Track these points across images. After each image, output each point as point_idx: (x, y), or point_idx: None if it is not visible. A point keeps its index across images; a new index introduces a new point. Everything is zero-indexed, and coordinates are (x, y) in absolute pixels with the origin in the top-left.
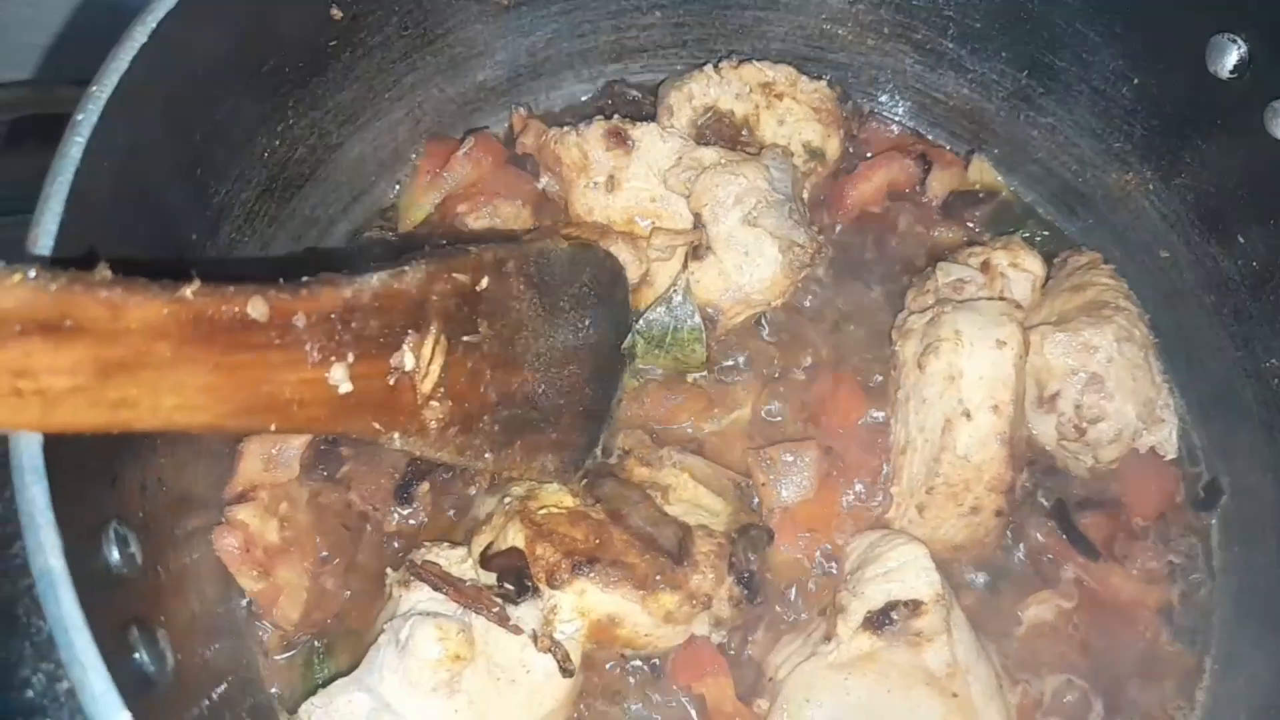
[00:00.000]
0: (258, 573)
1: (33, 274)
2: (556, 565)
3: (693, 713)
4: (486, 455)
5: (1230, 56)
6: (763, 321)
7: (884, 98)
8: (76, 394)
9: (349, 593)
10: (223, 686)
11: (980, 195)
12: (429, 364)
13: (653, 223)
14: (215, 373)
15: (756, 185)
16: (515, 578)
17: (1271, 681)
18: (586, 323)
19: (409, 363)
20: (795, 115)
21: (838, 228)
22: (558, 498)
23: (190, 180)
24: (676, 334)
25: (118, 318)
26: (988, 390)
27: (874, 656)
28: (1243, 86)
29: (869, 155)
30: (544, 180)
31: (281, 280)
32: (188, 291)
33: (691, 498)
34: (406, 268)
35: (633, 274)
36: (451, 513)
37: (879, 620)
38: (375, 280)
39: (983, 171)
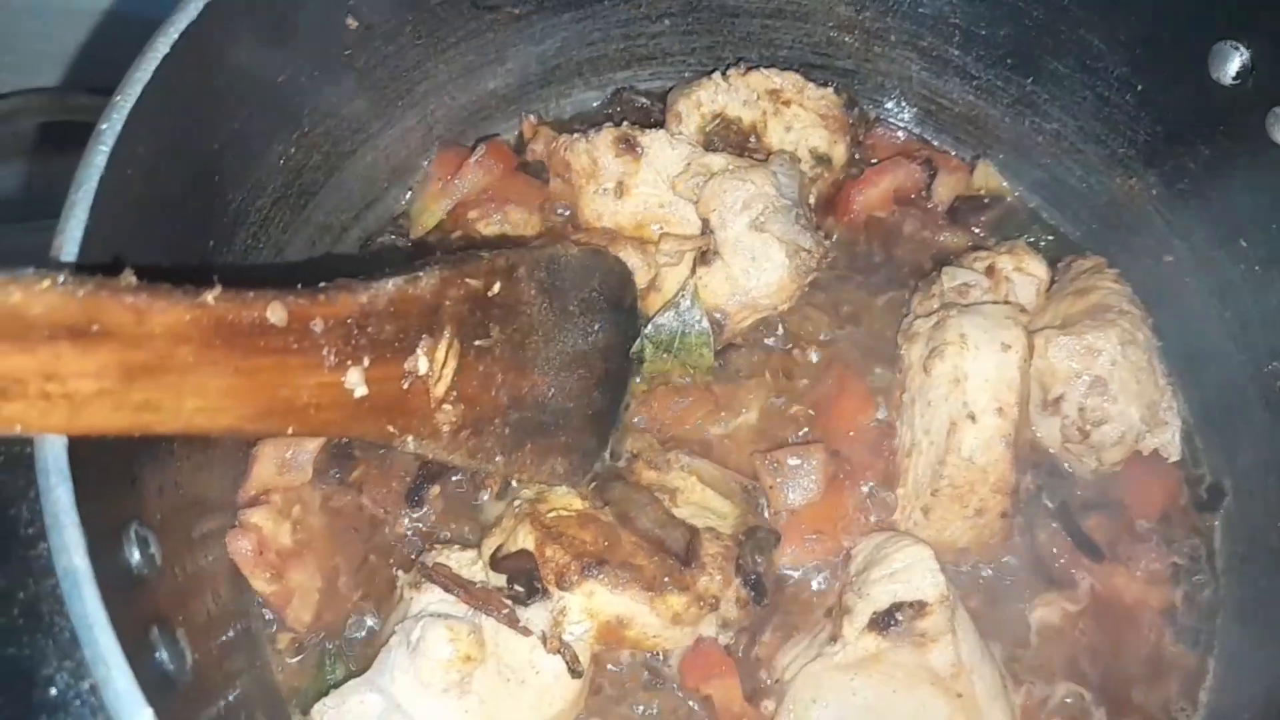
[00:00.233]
0: (271, 575)
1: (61, 280)
2: (566, 567)
3: (700, 713)
4: (497, 458)
5: (1233, 63)
6: (770, 326)
7: (890, 104)
8: (102, 397)
9: (361, 595)
10: (238, 687)
11: (985, 200)
12: (442, 368)
13: (661, 228)
14: (235, 376)
15: (764, 191)
16: (525, 580)
17: (1275, 683)
18: (596, 327)
19: (423, 367)
20: (802, 122)
21: (843, 233)
22: (567, 500)
23: (208, 188)
24: (684, 338)
25: (142, 323)
26: (993, 393)
27: (880, 657)
28: (1245, 92)
29: (875, 161)
30: (553, 186)
31: (299, 286)
32: (209, 297)
33: (699, 500)
34: (421, 273)
35: (641, 279)
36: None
37: (884, 621)
38: (390, 286)
39: (988, 177)
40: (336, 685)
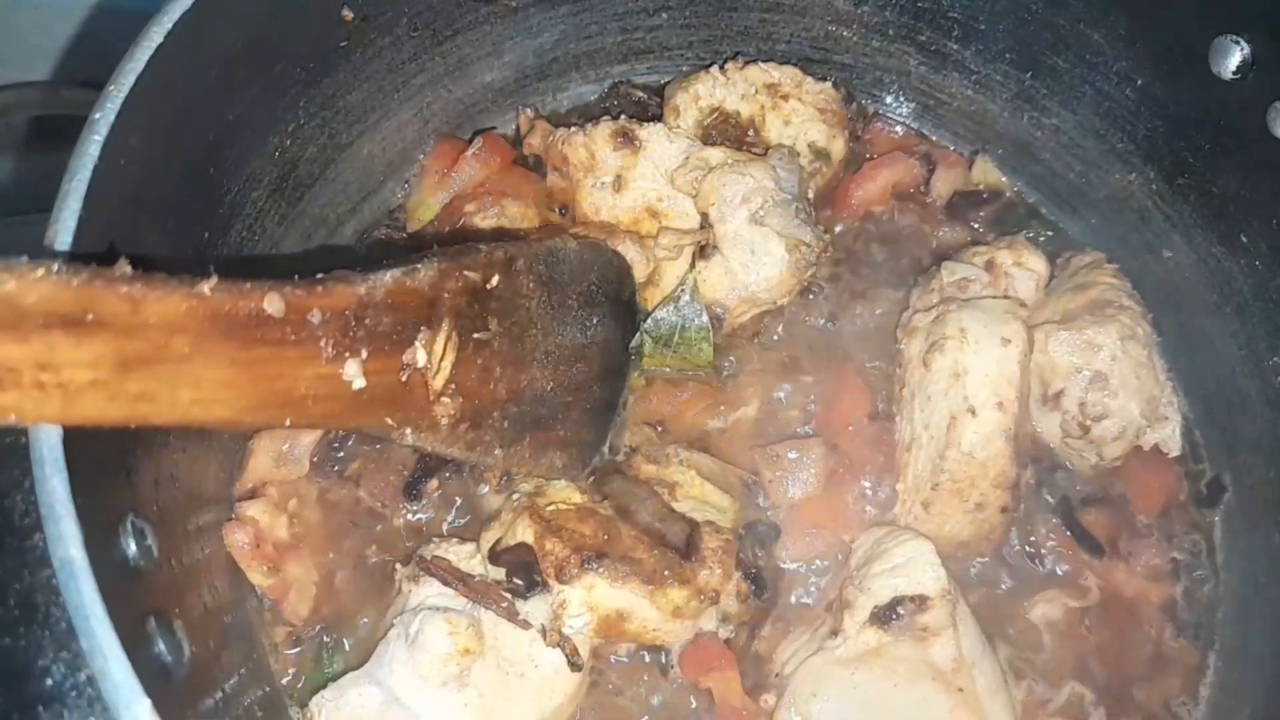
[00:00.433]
0: (268, 568)
1: (56, 269)
2: (565, 560)
3: (700, 707)
4: (496, 451)
5: (1233, 58)
6: (769, 320)
7: (889, 99)
8: (97, 387)
9: (358, 588)
10: (235, 679)
11: (984, 196)
12: (441, 360)
13: (660, 222)
14: (232, 368)
15: (763, 185)
16: (524, 573)
17: (1276, 677)
18: (594, 321)
19: (421, 359)
20: (801, 116)
21: (843, 228)
22: (566, 494)
23: (203, 179)
24: (684, 333)
25: (137, 313)
26: (992, 387)
27: (880, 651)
28: (1246, 88)
29: (874, 156)
30: (551, 180)
31: (296, 277)
32: (205, 287)
33: (699, 494)
34: (419, 265)
35: (640, 273)
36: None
37: (885, 615)
38: (389, 277)
39: (987, 172)
40: (335, 678)
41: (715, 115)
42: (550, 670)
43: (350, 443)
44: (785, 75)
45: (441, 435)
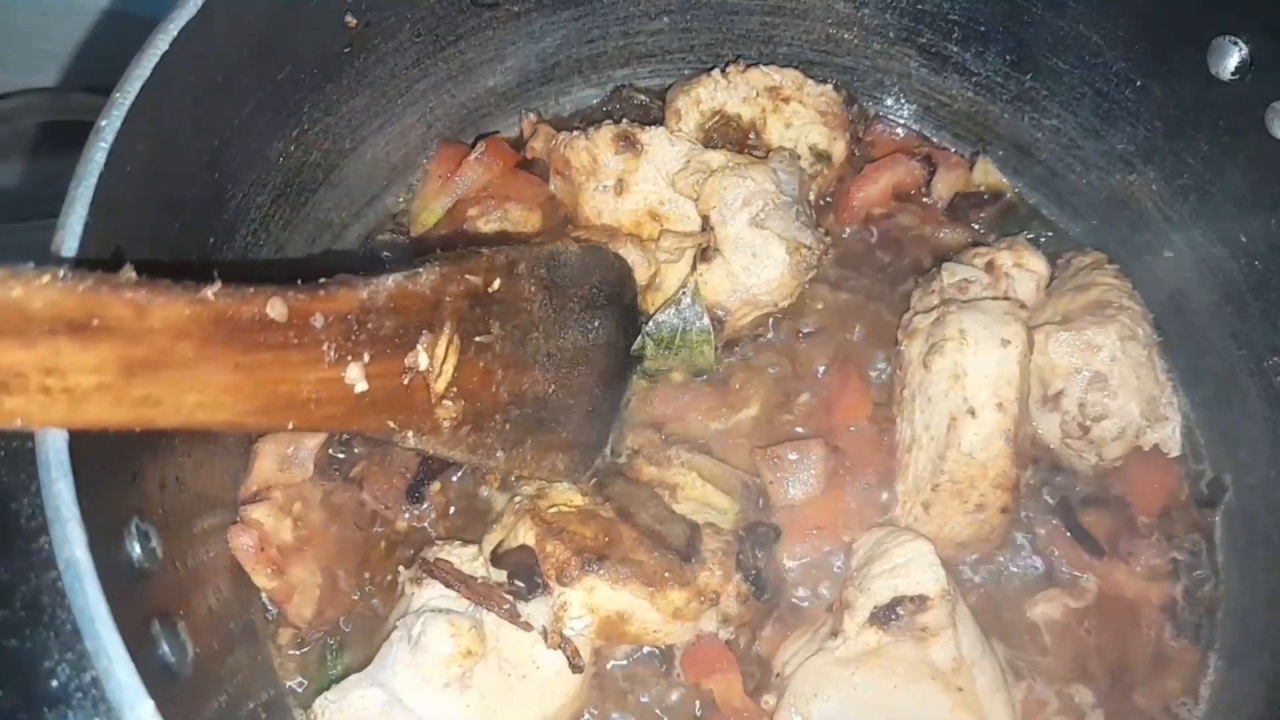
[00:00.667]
0: (272, 571)
1: (62, 275)
2: (566, 562)
3: (701, 708)
4: (498, 454)
5: (1232, 58)
6: (770, 322)
7: (890, 101)
8: (102, 391)
9: (361, 591)
10: (239, 681)
11: (985, 197)
12: (442, 363)
13: (661, 225)
14: (235, 372)
15: (764, 188)
16: (526, 575)
17: (1276, 677)
18: (596, 324)
19: (423, 362)
20: (802, 119)
21: (844, 230)
22: (567, 496)
23: (208, 184)
24: (685, 335)
25: (142, 318)
26: (992, 388)
27: (880, 651)
28: (1244, 88)
29: (875, 158)
30: (553, 184)
31: (299, 282)
32: (209, 293)
33: (700, 496)
34: (421, 270)
35: (641, 276)
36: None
37: (885, 615)
38: (390, 282)
39: (987, 173)
40: (338, 680)
41: (717, 118)
42: (552, 672)
43: (354, 446)
44: (786, 78)
45: (443, 438)
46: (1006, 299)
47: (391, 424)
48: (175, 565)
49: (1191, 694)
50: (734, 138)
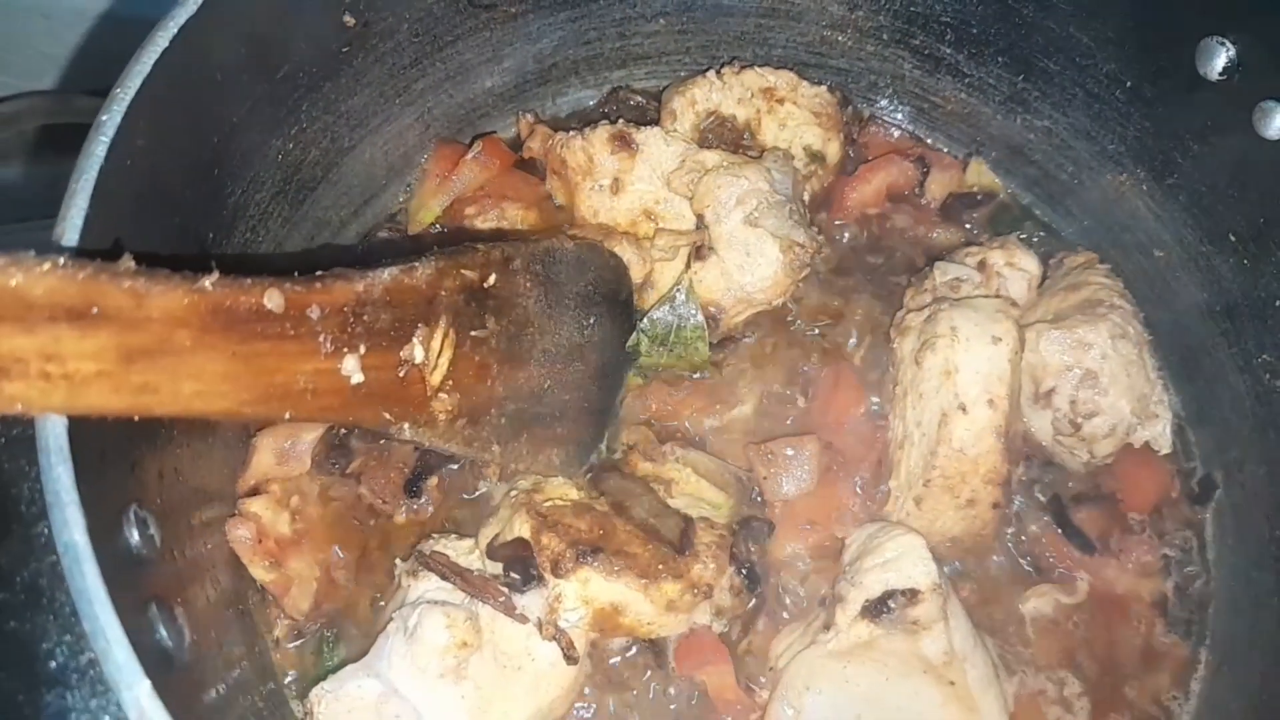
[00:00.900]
0: (269, 563)
1: (62, 263)
2: (561, 555)
3: (695, 700)
4: (494, 447)
5: (1219, 59)
6: (764, 319)
7: (883, 102)
8: (101, 378)
9: (358, 583)
10: (236, 671)
11: (978, 197)
12: (438, 357)
13: (656, 224)
14: (233, 361)
15: (758, 187)
16: (521, 567)
17: (1266, 672)
18: (591, 321)
19: (418, 355)
20: (796, 119)
21: (838, 229)
22: (563, 490)
23: (207, 181)
24: (680, 332)
25: (141, 306)
26: (983, 385)
27: (872, 645)
28: (1232, 88)
29: (869, 158)
30: (550, 183)
31: (296, 274)
32: (207, 283)
33: (694, 491)
34: (417, 264)
35: (636, 274)
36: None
37: (877, 609)
38: (387, 275)
39: (980, 174)
40: (334, 670)
41: (712, 119)
42: (546, 663)
43: (352, 440)
44: (781, 79)
45: (439, 430)
46: (998, 297)
47: (387, 416)
48: (173, 554)
49: (1182, 689)
50: (729, 138)
